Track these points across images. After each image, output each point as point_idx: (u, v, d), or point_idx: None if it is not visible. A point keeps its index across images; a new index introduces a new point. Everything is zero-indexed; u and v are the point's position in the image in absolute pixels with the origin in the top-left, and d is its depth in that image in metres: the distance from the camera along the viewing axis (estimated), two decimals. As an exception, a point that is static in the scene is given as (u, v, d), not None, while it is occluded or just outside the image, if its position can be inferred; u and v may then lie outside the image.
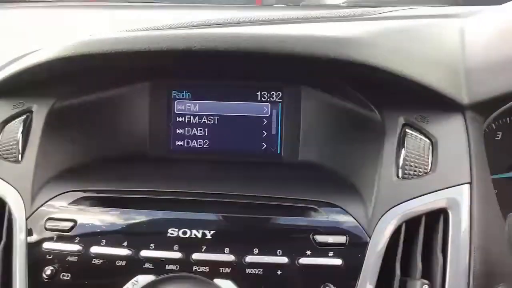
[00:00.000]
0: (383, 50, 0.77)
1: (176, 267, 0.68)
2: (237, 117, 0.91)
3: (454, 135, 0.75)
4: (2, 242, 0.73)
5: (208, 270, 0.68)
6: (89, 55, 0.75)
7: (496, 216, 0.73)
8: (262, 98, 0.90)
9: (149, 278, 0.68)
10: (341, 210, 0.71)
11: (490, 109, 0.78)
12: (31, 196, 0.74)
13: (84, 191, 0.75)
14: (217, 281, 0.67)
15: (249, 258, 0.68)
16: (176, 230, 0.70)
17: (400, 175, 0.73)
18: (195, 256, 0.68)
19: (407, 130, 0.76)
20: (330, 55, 0.72)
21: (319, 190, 0.75)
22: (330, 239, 0.69)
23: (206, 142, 0.91)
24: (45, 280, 0.69)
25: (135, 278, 0.68)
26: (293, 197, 0.73)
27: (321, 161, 0.85)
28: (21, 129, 0.80)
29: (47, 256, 0.70)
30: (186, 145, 0.91)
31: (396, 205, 0.70)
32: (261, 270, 0.67)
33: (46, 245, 0.71)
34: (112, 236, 0.70)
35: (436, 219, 0.71)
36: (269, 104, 0.90)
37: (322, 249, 0.68)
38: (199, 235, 0.70)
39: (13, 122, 0.81)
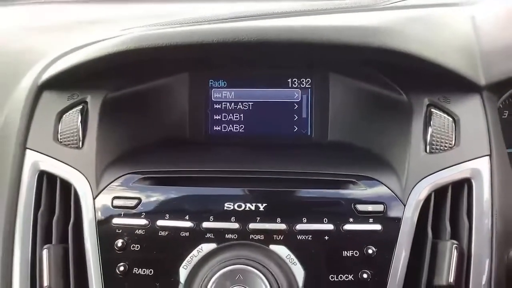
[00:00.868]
0: (410, 38, 0.85)
1: (235, 236, 0.76)
2: (269, 103, 0.99)
3: (473, 113, 0.85)
4: (71, 221, 0.80)
5: (263, 238, 0.76)
6: (146, 49, 0.82)
7: (512, 184, 0.83)
8: (293, 85, 0.98)
9: (212, 246, 0.75)
10: (378, 182, 0.80)
11: (504, 89, 0.87)
12: (96, 178, 0.81)
13: (142, 172, 0.83)
14: (272, 247, 0.75)
15: (299, 226, 0.76)
16: (232, 204, 0.78)
17: (428, 150, 0.82)
18: (251, 226, 0.76)
19: (432, 109, 0.84)
20: (370, 43, 0.80)
21: (355, 166, 0.83)
22: (370, 207, 0.77)
23: (242, 126, 0.99)
24: (117, 252, 0.76)
25: (199, 246, 0.75)
26: (333, 172, 0.82)
27: (350, 141, 0.93)
28: (80, 118, 0.87)
29: (117, 231, 0.77)
30: (223, 130, 0.99)
31: (426, 176, 0.79)
32: (310, 236, 0.76)
33: (115, 221, 0.78)
34: (174, 211, 0.78)
35: (461, 188, 0.80)
36: (300, 90, 0.98)
37: (363, 217, 0.77)
38: (253, 208, 0.77)
39: (70, 112, 0.88)
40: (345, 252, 0.75)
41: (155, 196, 0.79)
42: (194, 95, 0.98)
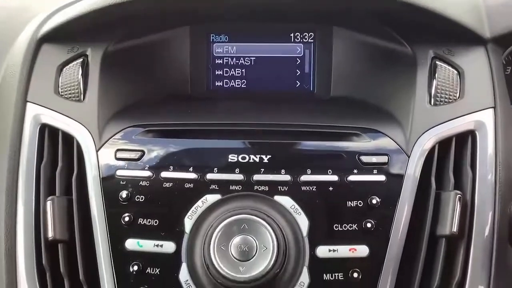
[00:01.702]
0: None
1: (239, 187, 0.76)
2: (272, 58, 0.98)
3: (478, 66, 0.84)
4: (75, 173, 0.80)
5: (267, 189, 0.76)
6: None
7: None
8: (295, 39, 0.97)
9: (217, 197, 0.76)
10: (382, 134, 0.80)
11: (509, 42, 0.86)
12: (98, 131, 0.81)
13: (145, 125, 0.82)
14: (276, 197, 0.76)
15: (304, 177, 0.76)
16: (236, 155, 0.77)
17: (432, 102, 0.82)
18: (256, 177, 0.76)
19: (436, 62, 0.84)
20: None
21: (359, 119, 0.83)
22: (374, 159, 0.77)
23: (244, 82, 0.98)
24: (122, 203, 0.76)
25: (204, 197, 0.75)
26: (337, 124, 0.82)
27: (353, 96, 0.93)
28: (80, 71, 0.86)
29: (121, 182, 0.77)
30: (224, 86, 0.98)
31: (430, 128, 0.79)
32: (315, 187, 0.76)
33: (119, 173, 0.78)
34: (178, 162, 0.78)
35: (465, 140, 0.80)
36: (302, 45, 0.97)
37: (367, 168, 0.77)
38: (257, 160, 0.77)
39: (71, 65, 0.87)
40: (349, 202, 0.75)
41: (158, 149, 0.79)
42: (195, 50, 0.97)
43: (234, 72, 0.98)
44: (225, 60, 0.98)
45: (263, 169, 0.77)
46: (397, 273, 0.74)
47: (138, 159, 0.78)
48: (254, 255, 0.70)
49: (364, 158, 0.77)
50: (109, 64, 0.87)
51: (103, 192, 0.77)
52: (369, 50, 0.91)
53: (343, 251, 0.73)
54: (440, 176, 0.79)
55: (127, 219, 0.75)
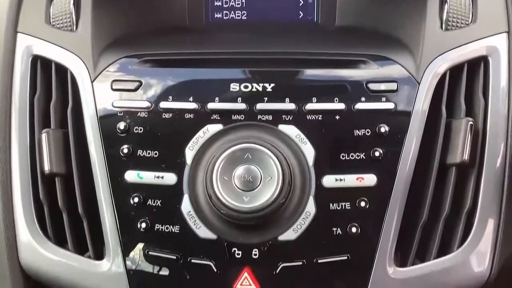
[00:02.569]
0: None
1: (242, 117, 0.73)
2: (273, -14, 0.93)
3: (492, -11, 0.79)
4: (70, 105, 0.77)
5: (271, 118, 0.73)
6: None
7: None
8: (299, -34, 0.92)
9: (218, 127, 0.73)
10: (391, 61, 0.76)
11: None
12: (93, 61, 0.77)
13: (142, 55, 0.78)
14: (281, 127, 0.73)
15: (309, 106, 0.73)
16: (238, 84, 0.74)
17: (443, 27, 0.78)
18: (259, 106, 0.73)
19: None
20: None
21: (366, 46, 0.79)
22: (383, 86, 0.74)
23: (244, 13, 0.94)
24: (120, 134, 0.73)
25: (205, 127, 0.72)
26: (344, 52, 0.78)
27: (360, 24, 0.88)
28: (72, 0, 0.81)
29: (118, 114, 0.74)
30: (224, 17, 0.94)
31: (441, 54, 0.75)
32: (320, 116, 0.73)
33: (116, 104, 0.74)
34: (177, 92, 0.74)
35: (477, 66, 0.76)
36: (305, -28, 0.92)
37: (375, 96, 0.74)
38: (260, 88, 0.74)
39: None
40: (357, 131, 0.72)
41: (156, 78, 0.75)
42: None
43: (234, 3, 0.94)
44: None
45: (266, 98, 0.73)
46: (405, 202, 0.71)
47: (135, 90, 0.75)
48: (259, 185, 0.67)
49: (372, 86, 0.74)
50: None
51: (100, 124, 0.74)
52: (377, -27, 0.86)
53: (350, 180, 0.71)
54: (451, 105, 0.76)
55: (125, 150, 0.72)
